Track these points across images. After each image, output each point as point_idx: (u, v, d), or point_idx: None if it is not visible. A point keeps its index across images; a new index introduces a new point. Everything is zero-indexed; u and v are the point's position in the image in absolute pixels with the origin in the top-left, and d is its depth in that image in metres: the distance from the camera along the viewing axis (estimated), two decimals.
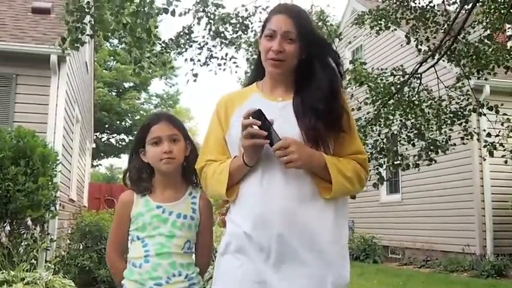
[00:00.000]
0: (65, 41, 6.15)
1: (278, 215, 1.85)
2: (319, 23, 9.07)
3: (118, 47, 27.17)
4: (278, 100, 2.02)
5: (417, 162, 7.69)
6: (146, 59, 7.04)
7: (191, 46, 8.28)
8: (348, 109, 2.05)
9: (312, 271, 1.85)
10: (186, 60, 8.42)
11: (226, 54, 8.67)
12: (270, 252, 1.85)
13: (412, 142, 7.68)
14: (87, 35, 6.39)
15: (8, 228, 5.87)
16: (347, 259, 1.98)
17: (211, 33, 8.21)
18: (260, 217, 1.86)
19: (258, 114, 1.85)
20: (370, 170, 7.33)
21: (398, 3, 7.82)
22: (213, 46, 8.48)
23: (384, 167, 7.83)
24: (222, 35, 8.33)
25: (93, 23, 6.30)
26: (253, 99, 2.05)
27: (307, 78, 2.01)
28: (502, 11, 7.18)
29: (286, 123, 1.94)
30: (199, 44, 8.32)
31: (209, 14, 8.00)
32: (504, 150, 7.31)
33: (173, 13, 6.61)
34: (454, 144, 7.84)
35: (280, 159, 1.83)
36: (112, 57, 27.63)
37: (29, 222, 6.07)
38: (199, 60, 8.41)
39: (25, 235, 6.09)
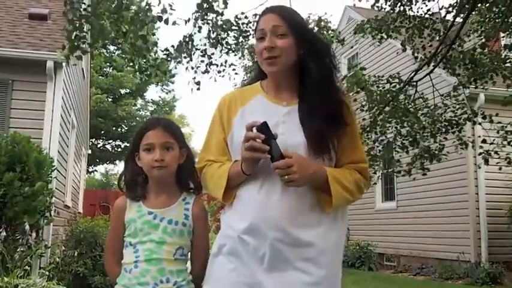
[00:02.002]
0: (65, 49, 6.15)
1: (271, 224, 1.84)
2: (318, 30, 9.11)
3: (114, 53, 27.18)
4: (283, 104, 1.99)
5: (410, 169, 7.71)
6: (150, 68, 7.06)
7: (194, 54, 8.29)
8: (348, 104, 2.02)
9: (304, 279, 1.84)
10: (186, 69, 8.43)
11: (226, 61, 8.72)
12: (264, 258, 1.85)
13: (406, 150, 7.71)
14: (88, 43, 6.39)
15: (3, 234, 5.85)
16: (339, 269, 1.97)
17: (212, 40, 8.23)
18: (254, 224, 1.86)
19: (263, 127, 1.82)
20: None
21: (395, 12, 7.85)
22: (212, 54, 8.51)
23: (378, 174, 7.85)
24: (225, 41, 8.35)
25: (92, 31, 6.31)
26: (257, 101, 2.04)
27: (305, 77, 1.98)
28: (497, 20, 7.23)
29: (290, 130, 1.92)
30: (201, 52, 8.34)
31: (209, 22, 8.02)
32: (499, 158, 7.33)
33: (166, 21, 6.63)
34: (448, 153, 7.86)
35: (280, 177, 1.81)
36: (108, 64, 27.63)
37: (27, 227, 6.05)
38: (198, 67, 8.43)
39: (20, 241, 6.07)
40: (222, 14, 7.89)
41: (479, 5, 7.27)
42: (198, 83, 8.31)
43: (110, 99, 27.02)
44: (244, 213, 1.90)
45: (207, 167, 2.05)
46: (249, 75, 18.62)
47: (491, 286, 9.17)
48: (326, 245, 1.88)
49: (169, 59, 8.06)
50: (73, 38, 5.90)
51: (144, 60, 6.79)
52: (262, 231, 1.85)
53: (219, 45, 8.30)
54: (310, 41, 1.99)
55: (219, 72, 8.63)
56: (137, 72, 7.09)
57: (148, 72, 6.93)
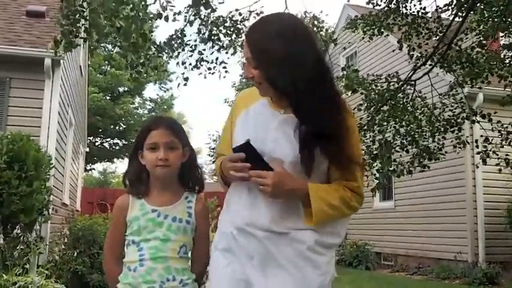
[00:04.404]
0: (58, 44, 6.12)
1: (259, 224, 1.89)
2: (314, 29, 9.10)
3: (113, 51, 27.13)
4: (281, 112, 1.98)
5: (410, 168, 7.71)
6: (141, 64, 7.02)
7: (184, 50, 8.28)
8: (347, 115, 1.96)
9: (292, 279, 1.88)
10: (177, 64, 8.42)
11: (217, 59, 8.68)
12: (254, 256, 1.91)
13: (405, 149, 7.71)
14: (81, 37, 6.38)
15: (3, 233, 5.85)
16: (331, 269, 1.97)
17: (204, 36, 8.21)
18: (243, 223, 1.92)
19: (245, 147, 1.87)
20: (367, 176, 7.40)
21: (389, 9, 7.86)
22: (203, 50, 8.48)
23: (378, 174, 7.85)
24: (215, 37, 8.33)
25: (87, 26, 6.29)
26: (260, 105, 2.05)
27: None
28: (495, 19, 7.23)
29: (281, 138, 1.92)
30: (191, 47, 8.32)
31: (202, 17, 8.01)
32: (498, 158, 7.34)
33: (166, 18, 6.62)
34: (446, 152, 7.87)
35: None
36: (107, 62, 27.59)
37: (17, 231, 6.07)
38: (190, 64, 8.41)
39: (18, 239, 6.06)
40: (215, 10, 7.88)
41: (477, 4, 7.27)
42: (186, 79, 8.30)
43: (108, 98, 26.99)
44: (235, 211, 1.98)
45: (217, 160, 2.15)
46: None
47: (488, 286, 9.17)
48: (315, 245, 1.91)
49: (160, 54, 8.04)
50: (67, 32, 5.87)
51: (136, 57, 6.74)
52: (250, 230, 1.91)
53: (210, 41, 8.29)
54: (271, 58, 1.85)
55: (209, 69, 8.60)
56: (128, 68, 7.01)
57: (140, 69, 6.90)
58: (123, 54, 6.94)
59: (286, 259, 1.88)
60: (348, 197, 1.95)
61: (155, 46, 7.66)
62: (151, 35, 7.00)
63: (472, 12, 7.37)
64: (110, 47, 27.26)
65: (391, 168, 7.76)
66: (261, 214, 1.90)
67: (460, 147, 7.89)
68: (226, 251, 1.97)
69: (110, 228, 2.26)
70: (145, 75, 7.21)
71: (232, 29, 8.32)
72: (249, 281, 1.90)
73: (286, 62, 1.83)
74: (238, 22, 8.30)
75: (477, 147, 7.94)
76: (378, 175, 7.63)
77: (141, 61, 6.89)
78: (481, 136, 7.57)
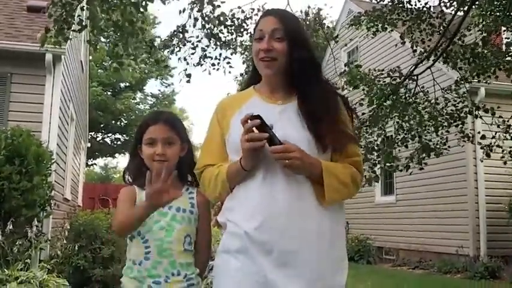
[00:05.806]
0: (49, 31, 5.99)
1: (280, 215, 1.87)
2: (316, 25, 9.08)
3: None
4: (278, 103, 2.04)
5: (408, 164, 7.69)
6: (126, 55, 6.91)
7: (185, 45, 8.27)
8: (341, 99, 2.10)
9: (310, 273, 1.86)
10: (179, 59, 8.41)
11: (220, 55, 8.66)
12: (272, 251, 1.86)
13: (405, 144, 7.69)
14: (73, 30, 6.29)
15: (8, 227, 5.85)
16: (345, 263, 2.02)
17: (206, 32, 8.19)
18: (263, 217, 1.88)
19: (258, 118, 1.85)
20: (364, 170, 7.37)
21: (393, 4, 7.84)
22: (207, 46, 8.47)
23: (378, 167, 7.83)
24: (217, 36, 8.31)
25: (82, 18, 6.23)
26: (253, 102, 2.08)
27: (298, 79, 2.04)
28: (498, 14, 7.20)
29: (288, 125, 1.96)
30: (192, 44, 8.31)
31: (204, 15, 7.99)
32: (503, 151, 7.32)
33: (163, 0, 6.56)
34: (449, 147, 7.85)
35: (280, 161, 1.85)
36: (108, 58, 27.54)
37: (27, 220, 6.06)
38: (187, 58, 8.39)
39: (20, 234, 6.07)
40: (218, 6, 7.84)
41: None
42: (188, 75, 8.28)
43: (109, 93, 26.98)
44: (250, 209, 1.92)
45: (205, 171, 2.07)
46: (248, 68, 18.56)
47: (489, 280, 9.18)
48: (328, 239, 1.92)
49: (155, 51, 8.00)
50: (61, 21, 5.79)
51: (124, 48, 6.64)
52: (269, 226, 1.87)
53: (212, 38, 8.28)
54: (303, 47, 2.04)
55: (213, 65, 8.58)
56: (115, 57, 6.91)
57: (122, 60, 6.81)
58: (115, 43, 6.84)
59: (305, 255, 1.87)
60: (354, 173, 2.00)
61: (146, 42, 7.50)
62: (144, 26, 6.85)
63: (474, 7, 7.34)
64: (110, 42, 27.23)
65: (388, 164, 7.74)
66: (280, 206, 1.87)
67: (464, 141, 7.87)
68: (238, 252, 1.91)
69: (121, 205, 2.15)
70: (146, 70, 7.18)
71: (234, 28, 8.30)
72: (267, 280, 1.85)
73: (308, 42, 2.09)
74: (241, 20, 8.28)
75: (472, 142, 7.92)
76: (375, 169, 7.60)
77: (127, 52, 6.75)
78: (478, 133, 7.54)
